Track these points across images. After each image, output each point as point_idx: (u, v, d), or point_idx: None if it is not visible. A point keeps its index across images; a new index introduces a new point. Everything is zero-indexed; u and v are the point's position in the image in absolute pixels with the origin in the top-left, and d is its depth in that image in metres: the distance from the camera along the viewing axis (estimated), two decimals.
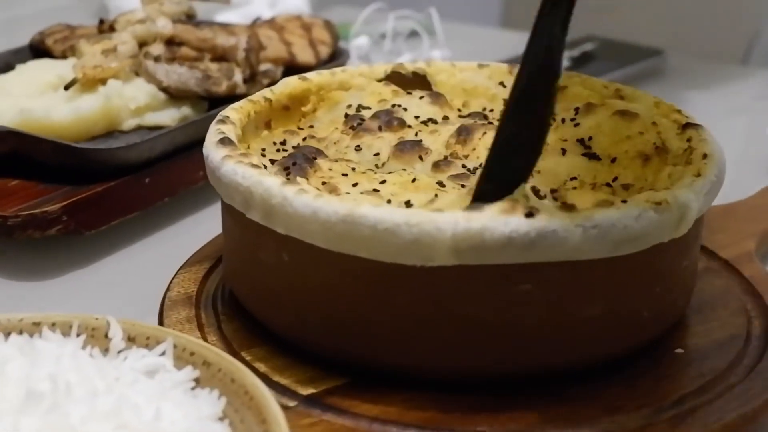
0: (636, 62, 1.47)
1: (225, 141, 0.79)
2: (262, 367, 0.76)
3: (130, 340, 0.68)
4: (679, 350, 0.78)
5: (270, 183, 0.72)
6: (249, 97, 0.89)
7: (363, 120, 0.88)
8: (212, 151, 0.79)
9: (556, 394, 0.73)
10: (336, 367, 0.75)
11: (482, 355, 0.72)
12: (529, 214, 0.68)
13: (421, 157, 0.83)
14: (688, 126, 0.83)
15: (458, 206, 0.71)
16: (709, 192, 0.75)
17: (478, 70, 0.98)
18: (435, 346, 0.72)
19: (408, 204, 0.73)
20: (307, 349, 0.76)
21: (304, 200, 0.70)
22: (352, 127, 0.88)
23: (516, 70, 0.96)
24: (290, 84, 0.92)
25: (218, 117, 0.84)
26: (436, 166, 0.81)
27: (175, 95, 1.12)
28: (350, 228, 0.69)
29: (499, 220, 0.67)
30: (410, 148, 0.83)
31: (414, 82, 0.97)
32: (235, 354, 0.77)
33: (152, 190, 1.03)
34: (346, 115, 0.90)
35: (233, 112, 0.85)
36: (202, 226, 0.98)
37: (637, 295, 0.74)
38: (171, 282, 0.86)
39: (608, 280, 0.72)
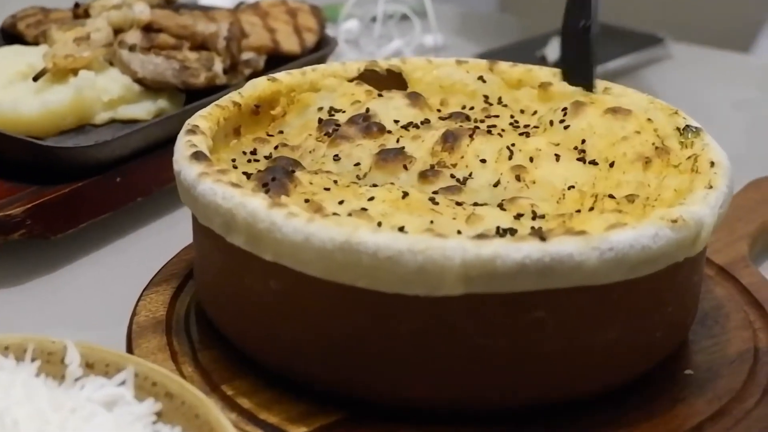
0: (635, 50, 1.41)
1: (199, 156, 0.72)
2: (246, 402, 0.70)
3: (89, 366, 0.64)
4: (689, 371, 0.74)
5: (255, 205, 0.66)
6: (216, 102, 0.82)
7: (338, 126, 0.82)
8: (185, 167, 0.72)
9: (571, 423, 0.69)
10: (330, 401, 0.69)
11: (493, 386, 0.67)
12: (542, 239, 0.63)
13: (405, 167, 0.77)
14: (687, 129, 0.79)
15: (457, 231, 0.66)
16: (722, 205, 0.70)
17: (456, 66, 0.92)
18: (442, 378, 0.67)
19: (402, 230, 0.67)
20: (298, 382, 0.70)
21: (294, 225, 0.64)
22: (328, 134, 0.82)
23: (498, 66, 0.91)
24: (259, 86, 0.86)
25: (187, 126, 0.78)
26: (424, 176, 0.76)
27: (151, 87, 1.06)
28: (348, 256, 0.63)
29: (511, 245, 0.62)
30: (393, 157, 0.78)
31: (389, 80, 0.91)
32: (215, 388, 0.71)
33: (124, 190, 0.98)
34: (320, 120, 0.84)
35: (202, 120, 0.79)
36: (178, 228, 0.92)
37: (652, 316, 0.70)
38: (137, 305, 0.80)
39: (624, 303, 0.67)
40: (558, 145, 0.79)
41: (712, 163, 0.73)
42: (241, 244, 0.67)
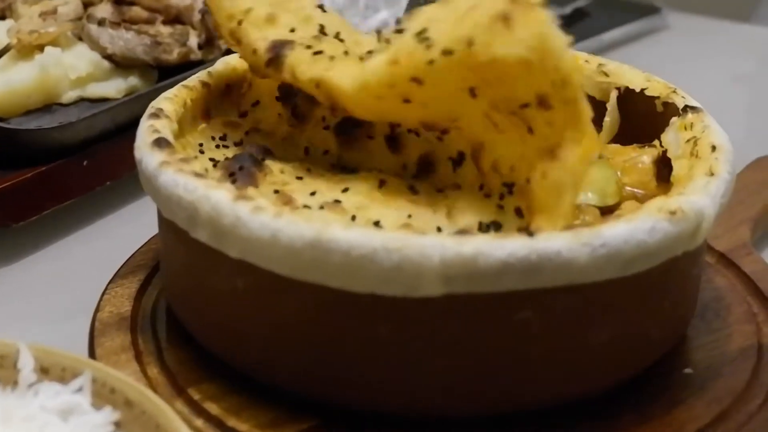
0: (631, 21, 1.35)
1: (161, 143, 0.67)
2: (214, 408, 0.65)
3: (44, 371, 0.61)
4: (688, 370, 0.69)
5: (219, 198, 0.61)
6: (183, 83, 0.77)
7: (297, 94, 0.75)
8: (146, 155, 0.67)
9: (559, 429, 0.64)
10: (302, 407, 0.64)
11: (476, 391, 0.62)
12: (529, 234, 0.58)
13: (370, 137, 0.72)
14: (686, 109, 0.74)
15: (437, 227, 0.62)
16: (724, 194, 0.65)
17: None
18: (421, 383, 0.62)
19: (377, 225, 0.62)
20: (268, 387, 0.65)
21: (261, 220, 0.59)
22: (294, 113, 0.76)
23: None
24: (230, 64, 0.80)
25: (150, 109, 0.73)
26: (393, 147, 0.72)
27: (121, 64, 1.00)
28: (318, 254, 0.58)
29: (494, 242, 0.57)
30: (355, 131, 0.72)
31: None
32: (181, 392, 0.66)
33: (91, 174, 0.92)
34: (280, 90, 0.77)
35: (167, 103, 0.73)
36: (149, 214, 0.85)
37: (647, 314, 0.65)
38: (100, 300, 0.75)
39: (616, 301, 0.62)
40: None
41: (714, 147, 0.69)
42: (205, 239, 0.62)
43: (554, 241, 0.58)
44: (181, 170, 0.64)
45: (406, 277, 0.57)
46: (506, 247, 0.57)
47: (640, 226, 0.60)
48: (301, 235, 0.58)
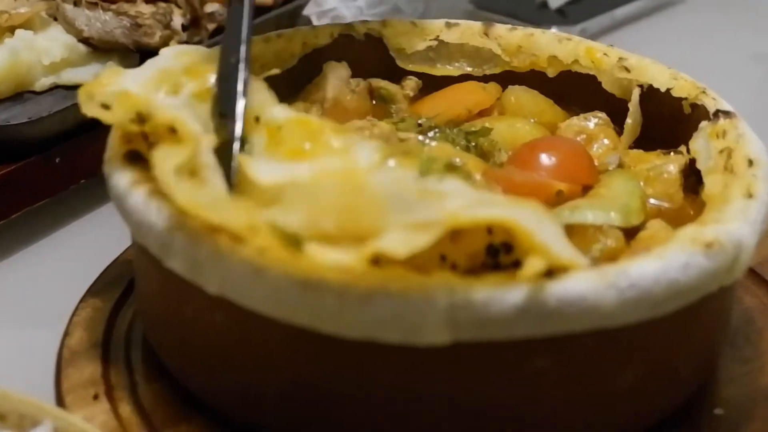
0: None
1: (134, 157, 0.60)
2: None
3: (0, 418, 0.57)
4: (718, 411, 0.62)
5: (196, 226, 0.54)
6: None
7: None
8: (116, 171, 0.60)
9: None
10: None
11: None
12: (548, 274, 0.51)
13: None
14: (718, 114, 0.67)
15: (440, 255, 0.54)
16: (764, 219, 0.58)
17: (445, 29, 0.79)
18: None
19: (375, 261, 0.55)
20: (249, 427, 0.59)
21: (243, 254, 0.52)
22: None
23: (494, 30, 0.79)
24: None
25: None
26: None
27: (99, 48, 0.93)
28: (308, 296, 0.51)
29: (509, 286, 0.50)
30: None
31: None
32: None
33: (65, 172, 0.86)
34: None
35: None
36: None
37: (676, 354, 0.58)
38: (70, 322, 0.68)
39: (643, 342, 0.56)
40: None
41: (750, 162, 0.61)
42: (181, 272, 0.55)
43: (576, 284, 0.51)
44: (155, 191, 0.57)
45: (407, 324, 0.51)
46: (522, 290, 0.50)
47: (672, 263, 0.53)
48: (287, 274, 0.51)
